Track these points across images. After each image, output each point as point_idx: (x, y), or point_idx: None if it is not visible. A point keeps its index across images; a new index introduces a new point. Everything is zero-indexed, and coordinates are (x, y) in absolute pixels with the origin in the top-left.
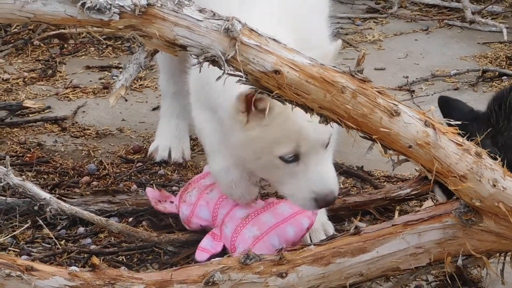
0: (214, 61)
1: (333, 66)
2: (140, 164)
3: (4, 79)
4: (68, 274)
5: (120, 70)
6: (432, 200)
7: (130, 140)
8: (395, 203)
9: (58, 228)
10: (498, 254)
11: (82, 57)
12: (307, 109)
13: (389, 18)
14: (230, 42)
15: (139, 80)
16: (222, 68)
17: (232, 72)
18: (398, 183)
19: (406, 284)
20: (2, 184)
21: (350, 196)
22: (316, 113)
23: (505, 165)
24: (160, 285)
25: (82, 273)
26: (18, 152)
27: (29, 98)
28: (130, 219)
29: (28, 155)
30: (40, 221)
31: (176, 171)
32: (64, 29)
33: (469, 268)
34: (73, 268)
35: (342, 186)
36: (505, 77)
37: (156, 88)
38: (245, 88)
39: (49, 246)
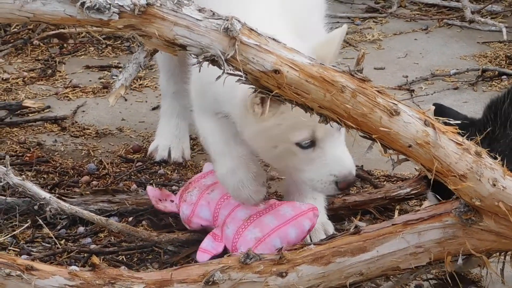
0: (213, 61)
1: (333, 66)
2: (140, 163)
3: (4, 78)
4: (68, 273)
5: (120, 69)
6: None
7: (129, 140)
8: (395, 203)
9: (58, 227)
10: (498, 254)
11: (81, 57)
12: (307, 108)
13: (389, 18)
14: (230, 42)
15: (138, 80)
16: (222, 67)
17: (231, 72)
18: (398, 182)
19: (406, 283)
20: (2, 183)
21: (350, 195)
22: (316, 113)
23: None
24: (160, 284)
25: (82, 272)
26: (18, 152)
27: (29, 98)
28: (130, 219)
29: (28, 155)
30: (40, 220)
31: (176, 171)
32: (63, 28)
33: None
34: (73, 267)
35: None
36: (504, 77)
37: (155, 87)
38: None
39: (49, 245)
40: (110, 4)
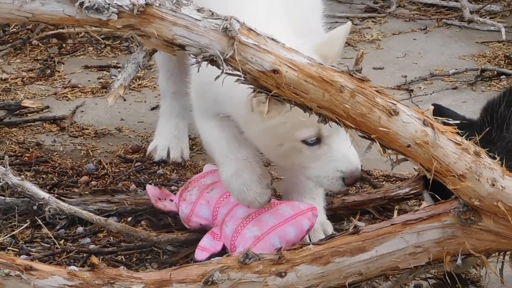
0: (212, 61)
1: (332, 66)
2: (139, 163)
3: (3, 79)
4: (67, 273)
5: (119, 69)
6: None
7: (128, 140)
8: (394, 203)
9: (57, 227)
10: (497, 253)
11: (80, 57)
12: (305, 108)
13: (388, 18)
14: (229, 42)
15: (137, 80)
16: (221, 67)
17: (230, 72)
18: (397, 182)
19: (405, 283)
20: (1, 183)
21: (349, 195)
22: (315, 113)
23: None
24: (159, 284)
25: (81, 272)
26: (16, 152)
27: (28, 98)
28: (129, 219)
29: (27, 155)
30: (39, 220)
31: (175, 171)
32: (62, 28)
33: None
34: (72, 267)
35: None
36: (503, 76)
37: (154, 87)
38: None
39: (48, 245)
40: (109, 4)
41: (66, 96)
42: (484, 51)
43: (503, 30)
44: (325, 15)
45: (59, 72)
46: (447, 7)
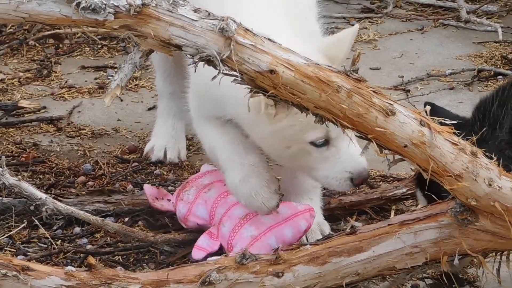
0: (209, 61)
1: (328, 66)
2: (135, 164)
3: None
4: (64, 274)
5: (115, 70)
6: None
7: (125, 140)
8: (391, 203)
9: (54, 228)
10: (494, 254)
11: (77, 57)
12: (302, 108)
13: (384, 18)
14: (225, 42)
15: (134, 80)
16: (217, 68)
17: (227, 72)
18: (394, 182)
19: (402, 283)
20: None
21: (346, 195)
22: (312, 113)
23: None
24: (157, 285)
25: (78, 273)
26: (13, 152)
27: (25, 98)
28: (126, 219)
29: (24, 155)
30: (36, 221)
31: (172, 171)
32: (59, 29)
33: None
34: (69, 268)
35: None
36: (500, 77)
37: (151, 88)
38: None
39: (45, 246)
40: (105, 5)
41: (63, 97)
42: (481, 51)
43: (499, 30)
44: (322, 16)
45: (56, 72)
46: (443, 7)
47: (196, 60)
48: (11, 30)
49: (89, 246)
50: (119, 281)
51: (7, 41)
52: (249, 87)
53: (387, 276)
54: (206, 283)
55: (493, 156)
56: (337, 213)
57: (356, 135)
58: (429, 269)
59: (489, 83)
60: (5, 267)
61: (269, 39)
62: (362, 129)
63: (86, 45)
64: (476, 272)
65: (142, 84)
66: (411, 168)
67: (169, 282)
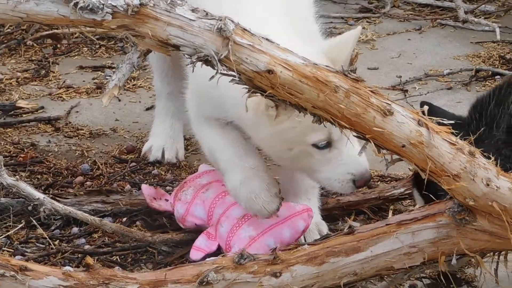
0: (207, 61)
1: (326, 66)
2: (133, 164)
3: None
4: (62, 274)
5: (113, 70)
6: None
7: (123, 140)
8: (389, 203)
9: (52, 228)
10: (492, 253)
11: (75, 57)
12: (300, 108)
13: (382, 18)
14: (223, 42)
15: (132, 80)
16: (215, 68)
17: (225, 72)
18: (392, 182)
19: (400, 283)
20: None
21: (343, 195)
22: (310, 113)
23: None
24: (154, 285)
25: (76, 273)
26: (11, 152)
27: (23, 98)
28: (124, 219)
29: (22, 155)
30: (34, 221)
31: (170, 171)
32: (57, 29)
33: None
34: (67, 268)
35: None
36: (498, 77)
37: (149, 88)
38: None
39: (43, 246)
40: (103, 4)
41: (61, 97)
42: (478, 51)
43: (497, 30)
44: (319, 15)
45: (53, 72)
46: (441, 7)
47: (194, 60)
48: (9, 30)
49: (87, 246)
50: (117, 281)
51: (5, 41)
52: (247, 87)
53: (385, 276)
54: (204, 283)
55: (490, 155)
56: (335, 213)
57: (354, 135)
58: (427, 269)
59: (487, 83)
60: (3, 267)
61: (267, 39)
62: (360, 129)
63: (84, 45)
64: (474, 272)
65: (140, 84)
66: (409, 168)
67: (167, 282)
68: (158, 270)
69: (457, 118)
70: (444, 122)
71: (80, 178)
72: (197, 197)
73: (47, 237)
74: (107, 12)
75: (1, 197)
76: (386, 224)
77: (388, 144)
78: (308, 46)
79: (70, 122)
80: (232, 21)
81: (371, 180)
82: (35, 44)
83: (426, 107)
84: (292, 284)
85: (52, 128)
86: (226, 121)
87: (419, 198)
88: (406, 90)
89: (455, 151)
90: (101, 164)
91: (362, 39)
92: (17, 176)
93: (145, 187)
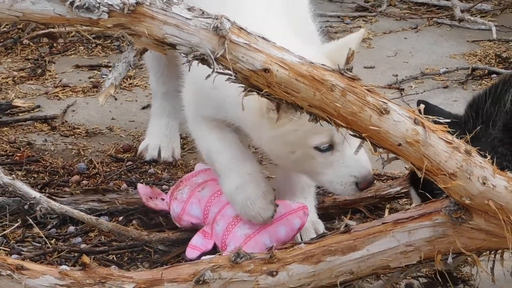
0: (203, 60)
1: (322, 64)
2: (130, 163)
3: None
4: (58, 273)
5: (110, 69)
6: None
7: (120, 139)
8: (385, 201)
9: (48, 227)
10: (488, 252)
11: (71, 56)
12: (296, 107)
13: (378, 17)
14: (219, 41)
15: (128, 79)
16: (212, 66)
17: (221, 71)
18: (388, 181)
19: (396, 282)
20: None
21: None
22: (306, 112)
23: None
24: (151, 283)
25: (73, 272)
26: (7, 151)
27: (19, 97)
28: (120, 218)
29: (18, 154)
30: (30, 220)
31: (166, 170)
32: (53, 28)
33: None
34: (64, 267)
35: None
36: (494, 75)
37: (145, 86)
38: None
39: (40, 245)
40: (99, 3)
41: (57, 96)
42: (475, 50)
43: (493, 29)
44: (315, 14)
45: (50, 71)
46: (438, 6)
47: (190, 59)
48: (5, 29)
49: (83, 245)
50: (113, 280)
51: (1, 40)
52: (244, 86)
53: (381, 275)
54: (200, 282)
55: (486, 153)
56: (331, 211)
57: (350, 134)
58: (423, 267)
59: (483, 81)
60: None
61: (263, 38)
62: (356, 128)
63: (80, 44)
64: (470, 271)
65: (136, 83)
66: (405, 167)
67: (163, 281)
68: (155, 269)
69: (453, 117)
70: (440, 120)
71: (76, 177)
72: (193, 196)
73: (43, 236)
74: (103, 11)
75: None
76: (383, 223)
77: (384, 143)
78: (308, 46)
79: (66, 121)
80: (228, 19)
81: (374, 182)
82: (31, 43)
83: (422, 106)
84: (288, 283)
85: (48, 127)
86: (226, 123)
87: (416, 197)
88: (403, 89)
89: (451, 149)
90: (98, 163)
91: None
92: (13, 175)
93: (141, 186)
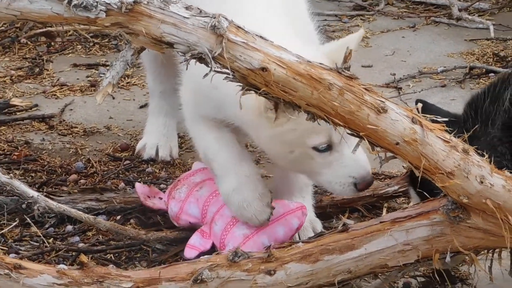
0: (201, 59)
1: (320, 63)
2: (127, 162)
3: None
4: (56, 272)
5: (107, 67)
6: None
7: (117, 138)
8: (383, 200)
9: (46, 226)
10: (486, 251)
11: (69, 55)
12: (294, 106)
13: (376, 15)
14: (217, 39)
15: (126, 78)
16: (209, 65)
17: (219, 70)
18: (386, 180)
19: (394, 281)
20: None
21: None
22: (304, 110)
23: None
24: (149, 282)
25: (70, 271)
26: (5, 150)
27: (16, 96)
28: (118, 217)
29: (16, 153)
30: (28, 219)
31: (164, 169)
32: (51, 27)
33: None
34: (61, 266)
35: None
36: (492, 74)
37: (143, 85)
38: None
39: (37, 244)
40: (97, 2)
41: (55, 95)
42: (472, 48)
43: (491, 27)
44: (313, 13)
45: (47, 70)
46: (435, 4)
47: (188, 58)
48: (2, 28)
49: (81, 244)
50: (111, 279)
51: None
52: (241, 84)
53: (379, 274)
54: (198, 281)
55: (485, 152)
56: (329, 210)
57: (348, 133)
58: (421, 266)
59: (481, 80)
60: None
61: (261, 37)
62: (354, 127)
63: (78, 43)
64: (468, 270)
65: (134, 82)
66: (403, 166)
67: (161, 280)
68: (152, 268)
69: (452, 116)
70: (438, 119)
71: (74, 176)
72: (191, 195)
73: (41, 235)
74: (101, 10)
75: None
76: (380, 222)
77: (382, 142)
78: (308, 46)
79: (64, 120)
80: (226, 18)
81: (373, 183)
82: (29, 42)
83: (420, 105)
84: (286, 282)
85: (46, 126)
86: (225, 123)
87: (415, 196)
88: (400, 88)
89: (449, 148)
90: (95, 162)
91: None
92: (11, 174)
93: (138, 185)
